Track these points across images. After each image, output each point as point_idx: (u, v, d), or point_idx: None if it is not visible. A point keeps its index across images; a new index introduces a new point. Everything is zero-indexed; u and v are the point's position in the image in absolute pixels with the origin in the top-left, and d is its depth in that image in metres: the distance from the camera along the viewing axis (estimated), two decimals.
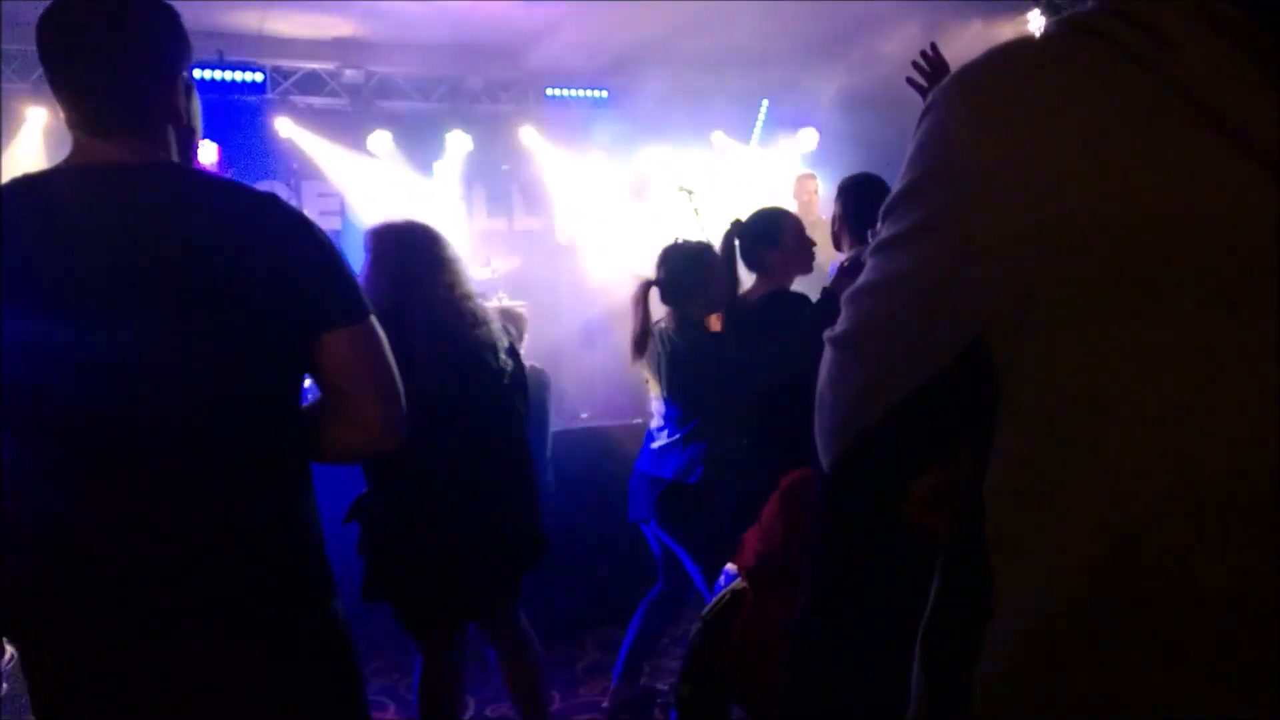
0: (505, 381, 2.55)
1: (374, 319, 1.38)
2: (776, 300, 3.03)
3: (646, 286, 3.12)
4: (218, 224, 1.29)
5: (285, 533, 1.35)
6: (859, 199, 2.99)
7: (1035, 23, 5.09)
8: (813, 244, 3.18)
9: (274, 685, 1.32)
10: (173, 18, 1.34)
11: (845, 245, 3.06)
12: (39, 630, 1.29)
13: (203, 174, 1.41)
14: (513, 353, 2.61)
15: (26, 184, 1.29)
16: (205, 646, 1.28)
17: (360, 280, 2.43)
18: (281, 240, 1.32)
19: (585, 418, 6.18)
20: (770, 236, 3.10)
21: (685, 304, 3.09)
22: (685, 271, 3.09)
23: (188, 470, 1.26)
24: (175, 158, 1.34)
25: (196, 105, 1.40)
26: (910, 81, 2.37)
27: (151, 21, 1.32)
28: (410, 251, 2.49)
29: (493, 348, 2.52)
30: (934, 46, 2.38)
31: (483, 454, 2.48)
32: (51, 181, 1.29)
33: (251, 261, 1.28)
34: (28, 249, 1.23)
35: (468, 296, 2.53)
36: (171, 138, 1.34)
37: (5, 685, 2.81)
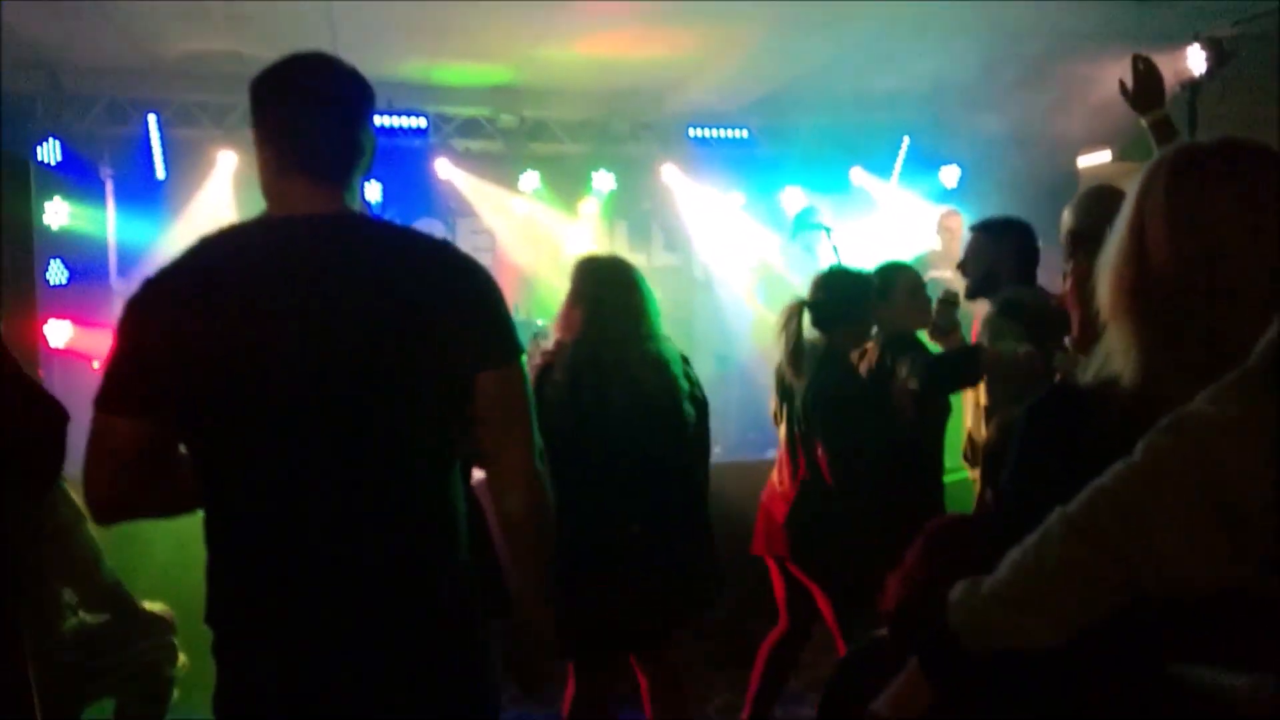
0: (689, 429, 2.62)
1: (523, 359, 1.53)
2: (891, 345, 3.04)
3: (799, 306, 3.05)
4: (401, 269, 1.45)
5: (446, 557, 1.47)
6: (1020, 246, 3.00)
7: (1193, 59, 4.90)
8: (927, 301, 3.16)
9: (418, 703, 1.43)
10: (363, 79, 1.53)
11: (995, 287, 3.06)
12: (233, 625, 1.45)
13: (387, 223, 1.58)
14: (695, 399, 2.66)
15: (238, 232, 1.49)
16: (366, 662, 1.40)
17: (562, 308, 2.56)
18: (454, 283, 1.48)
19: (718, 452, 6.26)
20: (881, 291, 3.12)
21: (836, 331, 3.03)
22: (842, 297, 3.04)
23: (362, 500, 1.41)
24: (356, 200, 1.52)
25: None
26: (1121, 86, 2.42)
27: (351, 79, 1.52)
28: (611, 288, 2.62)
29: (677, 393, 2.59)
30: (1144, 58, 2.41)
31: (661, 493, 2.56)
32: (259, 230, 1.49)
33: (428, 302, 1.44)
34: (240, 291, 1.41)
35: (657, 339, 2.62)
36: (357, 182, 1.53)
37: (176, 691, 2.92)
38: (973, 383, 2.96)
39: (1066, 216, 2.78)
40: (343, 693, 1.40)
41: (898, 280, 3.17)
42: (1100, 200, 2.69)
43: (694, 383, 2.69)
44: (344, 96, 1.51)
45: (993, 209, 4.40)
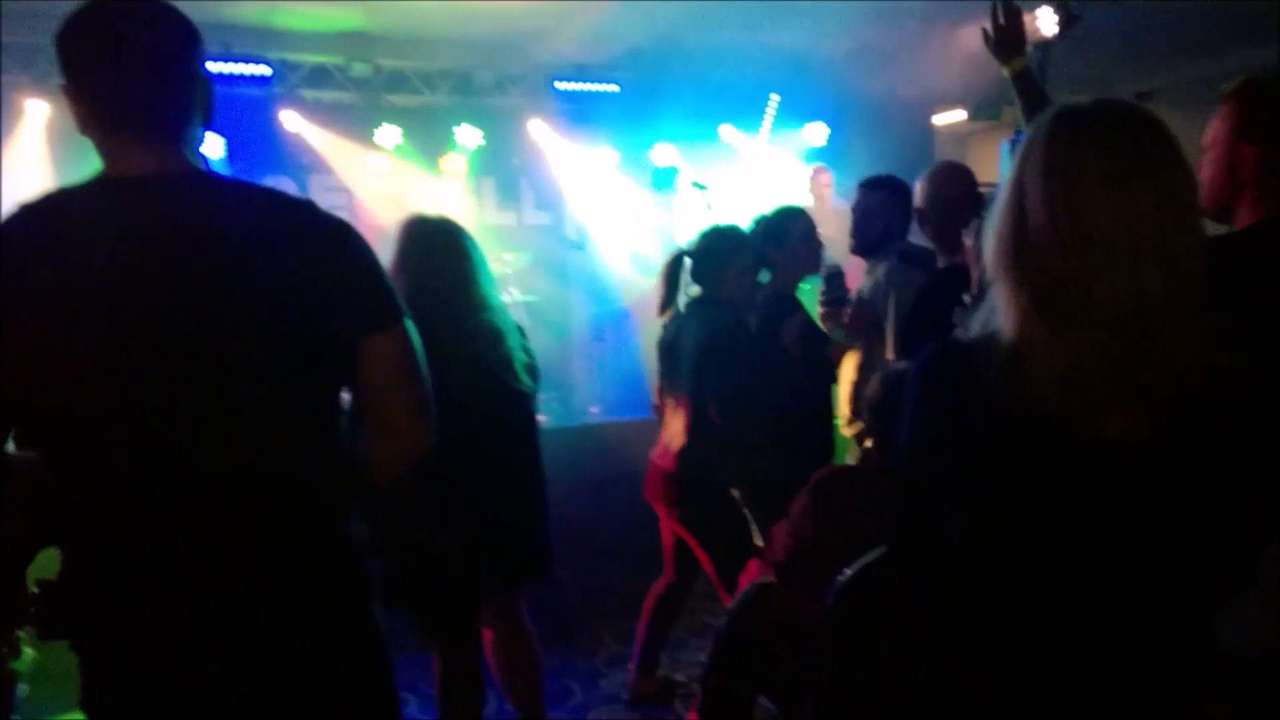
0: (526, 401, 2.56)
1: (409, 322, 1.39)
2: (773, 303, 3.12)
3: (679, 257, 3.11)
4: (256, 234, 1.29)
5: (328, 539, 1.37)
6: (906, 203, 3.04)
7: (1044, 20, 5.08)
8: (820, 245, 3.23)
9: (313, 687, 1.34)
10: (186, 20, 1.34)
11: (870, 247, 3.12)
12: (92, 629, 1.30)
13: (239, 182, 1.37)
14: (531, 370, 2.59)
15: (68, 198, 1.28)
16: (249, 649, 1.29)
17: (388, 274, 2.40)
18: (323, 246, 1.33)
19: (595, 412, 6.19)
20: (776, 236, 3.18)
21: (715, 283, 3.06)
22: (719, 251, 3.06)
23: (231, 483, 1.27)
24: (196, 156, 1.34)
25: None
26: (984, 34, 2.43)
27: (173, 20, 1.32)
28: (441, 257, 2.45)
29: (513, 366, 2.50)
30: (1007, 4, 2.42)
31: (503, 467, 2.49)
32: (86, 196, 1.29)
33: (292, 269, 1.28)
34: (64, 267, 1.22)
35: (491, 309, 2.49)
36: (195, 135, 1.34)
37: (24, 686, 2.80)
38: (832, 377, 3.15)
39: (917, 190, 2.85)
40: (227, 678, 1.29)
41: (792, 225, 3.21)
42: (941, 178, 2.80)
43: (529, 353, 2.61)
44: (167, 42, 1.30)
45: (858, 166, 4.47)
